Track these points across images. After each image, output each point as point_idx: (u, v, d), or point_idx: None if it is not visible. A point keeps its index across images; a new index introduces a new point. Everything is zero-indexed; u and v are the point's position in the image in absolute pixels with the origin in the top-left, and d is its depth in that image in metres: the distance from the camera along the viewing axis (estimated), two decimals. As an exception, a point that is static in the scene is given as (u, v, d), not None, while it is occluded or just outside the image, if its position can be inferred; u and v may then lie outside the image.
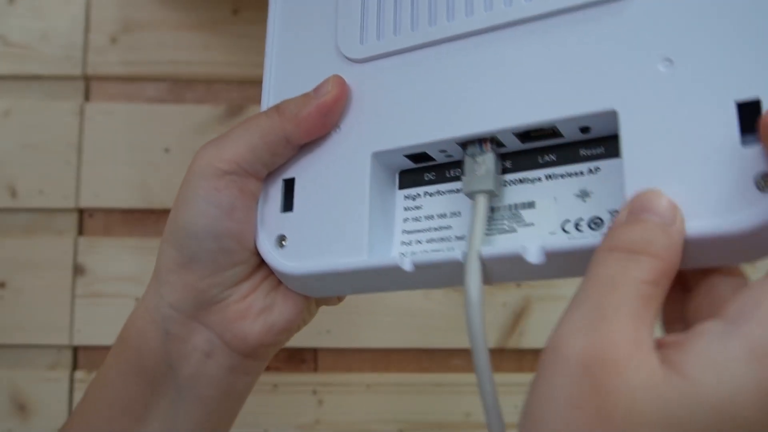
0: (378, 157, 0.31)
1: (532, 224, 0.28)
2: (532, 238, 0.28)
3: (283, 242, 0.32)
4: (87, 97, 0.58)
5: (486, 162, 0.29)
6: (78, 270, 0.56)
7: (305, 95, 0.32)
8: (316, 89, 0.32)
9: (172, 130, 0.57)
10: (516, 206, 0.29)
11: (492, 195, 0.29)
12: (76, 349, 0.55)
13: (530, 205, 0.29)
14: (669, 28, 0.25)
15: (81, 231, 0.57)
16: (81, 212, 0.57)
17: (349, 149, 0.32)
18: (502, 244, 0.27)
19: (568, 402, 0.20)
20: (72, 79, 0.57)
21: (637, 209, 0.24)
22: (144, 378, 0.33)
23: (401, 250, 0.32)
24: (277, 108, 0.32)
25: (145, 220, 0.57)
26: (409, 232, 0.32)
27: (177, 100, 0.58)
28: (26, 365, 0.55)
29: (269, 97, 0.35)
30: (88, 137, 0.57)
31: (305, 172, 0.33)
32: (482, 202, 0.29)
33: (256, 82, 0.58)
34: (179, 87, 0.58)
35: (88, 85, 0.58)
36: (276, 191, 0.33)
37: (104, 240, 0.56)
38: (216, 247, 0.32)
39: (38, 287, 0.56)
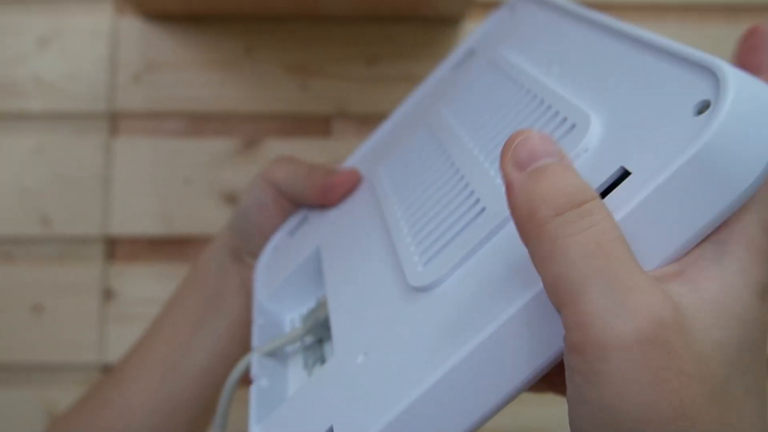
0: (319, 251, 0.38)
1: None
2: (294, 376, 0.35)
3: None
4: (113, 132, 0.62)
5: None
6: (107, 294, 0.60)
7: (331, 170, 0.42)
8: (339, 170, 0.42)
9: (192, 162, 0.61)
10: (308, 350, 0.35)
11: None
12: (105, 368, 0.60)
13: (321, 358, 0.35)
14: None
15: (109, 257, 0.61)
16: (109, 240, 0.61)
17: (313, 228, 0.40)
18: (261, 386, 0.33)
19: (650, 385, 0.19)
20: (99, 115, 0.61)
21: (526, 160, 0.21)
22: (203, 296, 0.43)
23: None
24: (314, 166, 0.43)
25: (169, 246, 0.61)
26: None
27: (196, 133, 0.62)
28: (60, 382, 0.60)
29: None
30: (114, 170, 0.61)
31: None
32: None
33: (269, 116, 0.62)
34: (198, 122, 0.62)
35: (114, 121, 0.62)
36: (294, 219, 0.42)
37: (131, 265, 0.61)
38: (243, 226, 0.44)
39: (70, 310, 0.60)
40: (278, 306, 0.38)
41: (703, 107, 0.21)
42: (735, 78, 0.20)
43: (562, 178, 0.21)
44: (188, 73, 0.62)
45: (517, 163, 0.22)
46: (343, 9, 0.61)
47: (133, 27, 0.62)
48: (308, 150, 0.61)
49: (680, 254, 0.21)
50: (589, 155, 0.24)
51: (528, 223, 0.21)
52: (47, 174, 0.61)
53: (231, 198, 0.61)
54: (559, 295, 0.20)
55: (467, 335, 0.22)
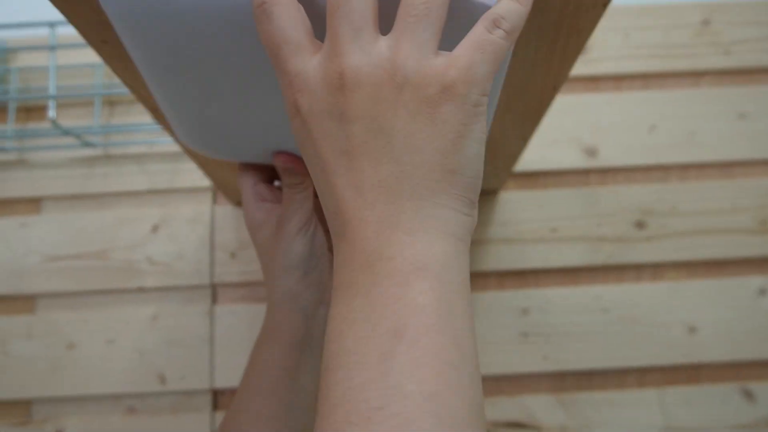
0: None
1: None
2: None
3: None
4: (215, 300, 0.75)
5: None
6: (215, 438, 0.72)
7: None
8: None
9: (281, 323, 0.73)
10: None
11: None
12: (217, 503, 0.70)
13: None
14: None
15: (215, 407, 0.73)
16: (215, 392, 0.73)
17: None
18: None
19: None
20: (202, 287, 0.74)
21: None
22: (296, 347, 0.47)
23: None
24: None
25: (266, 396, 0.72)
26: None
27: (284, 299, 0.74)
28: None
29: None
30: (217, 332, 0.73)
31: None
32: None
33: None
34: (285, 288, 0.75)
35: (215, 291, 0.75)
36: None
37: (234, 413, 0.72)
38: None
39: (184, 454, 0.71)
40: None
41: None
42: None
43: None
44: (275, 248, 0.75)
45: None
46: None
47: (227, 213, 0.76)
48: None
49: None
50: None
51: None
52: (162, 338, 0.73)
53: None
54: None
55: None
